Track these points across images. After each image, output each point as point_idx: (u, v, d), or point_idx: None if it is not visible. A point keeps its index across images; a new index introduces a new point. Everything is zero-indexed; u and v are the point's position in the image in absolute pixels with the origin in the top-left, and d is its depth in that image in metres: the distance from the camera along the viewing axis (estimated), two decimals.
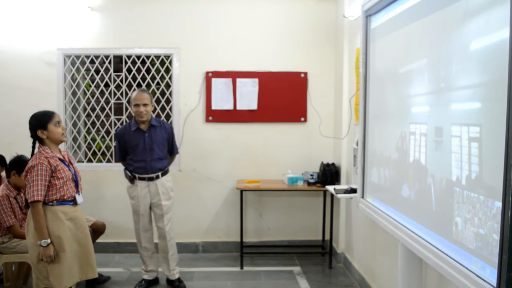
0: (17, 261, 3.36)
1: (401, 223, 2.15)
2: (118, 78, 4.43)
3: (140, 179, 3.50)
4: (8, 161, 3.43)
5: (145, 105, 3.42)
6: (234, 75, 4.38)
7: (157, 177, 3.52)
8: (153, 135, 3.50)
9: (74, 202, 2.68)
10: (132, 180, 3.53)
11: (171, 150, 3.68)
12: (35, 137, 2.62)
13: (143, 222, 3.56)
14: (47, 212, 2.55)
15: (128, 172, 3.55)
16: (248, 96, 4.39)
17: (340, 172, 4.16)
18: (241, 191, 4.11)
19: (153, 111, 3.59)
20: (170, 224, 3.61)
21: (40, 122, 2.60)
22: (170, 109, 4.48)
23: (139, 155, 3.48)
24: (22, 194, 3.32)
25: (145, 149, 3.48)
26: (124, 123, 4.44)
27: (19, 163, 3.25)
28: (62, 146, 2.78)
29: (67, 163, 2.67)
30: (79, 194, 2.72)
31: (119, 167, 4.43)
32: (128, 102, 4.46)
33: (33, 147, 2.65)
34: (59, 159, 2.63)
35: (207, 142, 4.44)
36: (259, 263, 4.21)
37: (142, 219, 3.55)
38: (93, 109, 4.51)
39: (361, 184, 2.75)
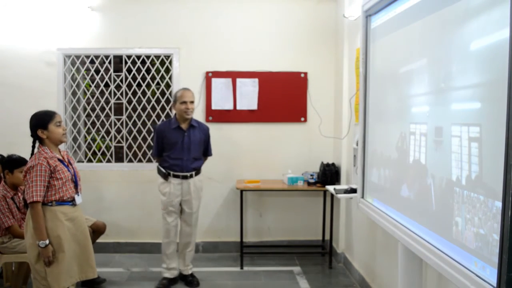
0: (17, 261, 3.36)
1: (401, 223, 2.15)
2: (118, 78, 4.43)
3: (174, 176, 3.56)
4: None
5: (192, 102, 3.54)
6: (234, 75, 4.38)
7: (191, 176, 3.59)
8: (192, 135, 3.58)
9: (73, 202, 2.68)
10: (166, 176, 3.57)
11: (206, 152, 3.76)
12: (35, 136, 2.62)
13: (173, 217, 3.62)
14: (47, 212, 2.55)
15: (162, 169, 3.59)
16: (248, 96, 4.39)
17: (340, 172, 4.16)
18: (241, 191, 4.11)
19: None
20: (196, 221, 3.71)
21: (40, 122, 2.59)
22: (170, 109, 4.48)
23: (176, 153, 3.55)
24: (19, 194, 3.33)
25: (183, 148, 3.55)
26: (124, 123, 4.45)
27: (9, 162, 3.30)
28: (62, 146, 2.78)
29: (66, 164, 2.67)
30: (78, 195, 2.72)
31: (119, 167, 4.45)
32: (128, 102, 4.47)
33: (33, 147, 2.64)
34: (59, 159, 2.62)
35: None
36: (259, 263, 4.21)
37: (172, 214, 3.61)
38: (93, 109, 4.50)
39: (361, 184, 2.75)
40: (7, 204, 3.25)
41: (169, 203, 3.57)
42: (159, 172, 3.62)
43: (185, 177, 3.56)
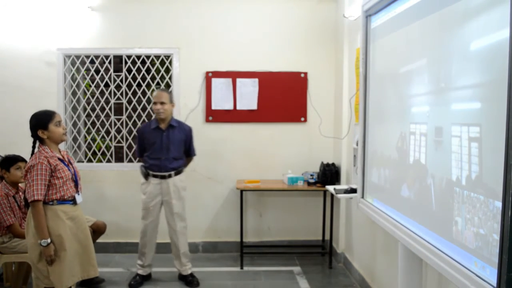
0: (17, 261, 3.36)
1: (401, 223, 2.15)
2: (118, 78, 4.43)
3: (154, 176, 3.59)
4: None
5: (162, 103, 3.53)
6: (234, 75, 4.38)
7: (170, 176, 3.60)
8: (170, 135, 3.59)
9: (74, 201, 2.68)
10: (146, 176, 3.62)
11: (188, 152, 3.76)
12: (35, 136, 2.62)
13: (152, 217, 3.64)
14: (48, 211, 2.55)
15: (143, 168, 3.64)
16: (248, 96, 4.39)
17: (340, 172, 4.16)
18: (241, 191, 4.11)
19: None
20: (182, 222, 3.70)
21: (40, 122, 2.59)
22: None
23: (155, 153, 3.58)
24: (20, 193, 3.34)
25: (161, 147, 3.57)
26: (124, 123, 4.46)
27: (4, 162, 3.34)
28: (62, 146, 2.78)
29: (66, 163, 2.67)
30: (78, 194, 2.73)
31: (119, 167, 4.45)
32: (128, 102, 4.47)
33: (33, 147, 2.64)
34: (59, 158, 2.62)
35: (207, 142, 4.44)
36: (259, 263, 4.21)
37: (151, 214, 3.63)
38: (93, 109, 4.50)
39: (361, 184, 2.75)
40: (9, 202, 3.26)
41: (148, 203, 3.61)
42: (141, 172, 3.67)
43: (163, 177, 3.59)
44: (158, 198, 3.61)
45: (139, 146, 3.71)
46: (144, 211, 3.66)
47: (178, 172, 3.65)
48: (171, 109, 3.61)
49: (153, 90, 4.48)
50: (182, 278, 3.74)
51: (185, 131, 3.70)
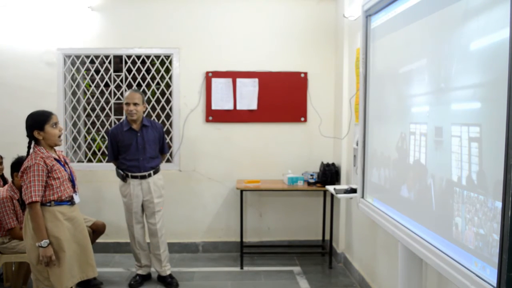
0: (17, 261, 3.36)
1: (401, 223, 2.15)
2: (118, 78, 4.43)
3: (133, 177, 3.58)
4: (10, 162, 3.42)
5: (135, 104, 3.50)
6: (234, 75, 4.38)
7: (149, 175, 3.60)
8: (145, 135, 3.58)
9: (71, 202, 2.68)
10: (124, 178, 3.60)
11: (162, 149, 3.76)
12: (31, 137, 2.60)
13: (136, 218, 3.64)
14: (45, 212, 2.55)
15: (120, 171, 3.62)
16: (248, 96, 4.39)
17: (340, 172, 4.16)
18: (241, 191, 4.11)
19: (144, 111, 3.62)
20: (162, 221, 3.68)
21: (37, 122, 2.57)
22: (170, 109, 4.48)
23: (132, 154, 3.56)
24: None
25: (137, 148, 3.56)
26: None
27: (20, 164, 3.22)
28: (62, 146, 2.77)
29: (62, 163, 2.66)
30: (76, 194, 2.72)
31: None
32: None
33: (29, 147, 2.62)
34: (55, 159, 2.61)
35: (207, 142, 4.44)
36: (259, 263, 4.21)
37: (135, 216, 3.63)
38: (93, 109, 4.51)
39: (361, 184, 2.75)
40: (13, 205, 3.23)
41: (131, 204, 3.59)
42: (118, 175, 3.64)
43: (143, 177, 3.58)
44: (140, 198, 3.60)
45: (112, 150, 3.63)
46: (127, 213, 3.65)
47: (156, 171, 3.65)
48: (143, 110, 3.57)
49: (153, 90, 4.49)
50: (161, 279, 3.71)
51: (157, 129, 3.68)
